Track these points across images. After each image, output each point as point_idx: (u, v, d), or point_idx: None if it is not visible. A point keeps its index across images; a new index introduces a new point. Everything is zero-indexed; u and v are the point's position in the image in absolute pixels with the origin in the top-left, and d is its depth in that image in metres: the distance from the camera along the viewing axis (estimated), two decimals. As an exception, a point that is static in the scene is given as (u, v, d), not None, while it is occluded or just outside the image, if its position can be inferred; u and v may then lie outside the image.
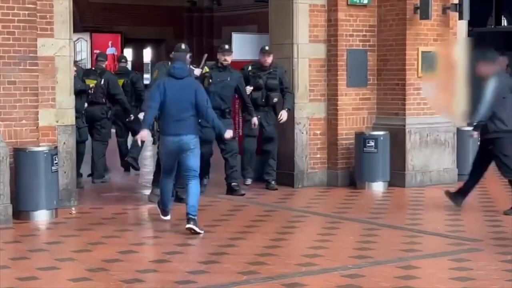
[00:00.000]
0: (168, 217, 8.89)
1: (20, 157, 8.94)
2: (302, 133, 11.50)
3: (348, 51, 11.58)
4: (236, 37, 12.46)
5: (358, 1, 11.57)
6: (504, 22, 21.37)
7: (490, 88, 9.04)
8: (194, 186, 8.28)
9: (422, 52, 11.47)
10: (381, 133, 11.35)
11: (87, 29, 23.48)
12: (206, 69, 10.40)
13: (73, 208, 9.58)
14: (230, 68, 10.78)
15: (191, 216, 8.18)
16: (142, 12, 25.89)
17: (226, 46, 10.95)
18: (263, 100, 11.11)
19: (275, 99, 11.11)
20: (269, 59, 11.13)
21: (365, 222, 8.89)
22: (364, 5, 11.65)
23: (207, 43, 27.24)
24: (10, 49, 9.05)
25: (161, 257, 7.30)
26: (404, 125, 11.47)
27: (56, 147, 9.29)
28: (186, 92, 8.32)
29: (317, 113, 11.61)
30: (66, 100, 9.76)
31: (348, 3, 11.52)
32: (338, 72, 11.55)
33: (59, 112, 9.70)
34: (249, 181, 11.24)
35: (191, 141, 8.31)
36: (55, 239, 8.09)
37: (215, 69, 10.69)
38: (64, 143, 9.73)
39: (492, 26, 21.08)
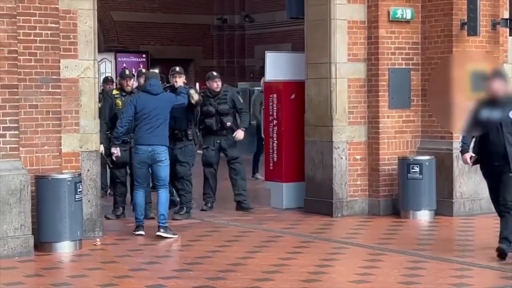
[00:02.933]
0: (142, 232, 9.97)
1: (42, 185, 9.02)
2: (341, 158, 11.47)
3: (390, 70, 11.57)
4: (270, 56, 12.48)
5: (400, 17, 11.56)
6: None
7: None
8: (163, 195, 9.90)
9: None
10: (427, 158, 11.29)
11: (112, 49, 23.73)
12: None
13: (97, 239, 9.63)
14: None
15: (162, 224, 9.77)
16: (169, 31, 26.14)
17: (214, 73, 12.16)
18: (218, 125, 11.79)
19: (229, 123, 11.83)
20: (218, 85, 11.87)
21: (410, 254, 8.83)
22: (407, 21, 11.65)
23: (238, 62, 27.41)
24: (32, 71, 9.19)
25: (192, 292, 7.30)
26: (452, 149, 11.39)
27: (80, 175, 9.37)
28: (162, 106, 9.93)
29: (357, 136, 11.59)
30: (90, 124, 9.85)
31: (390, 19, 11.52)
32: (380, 93, 11.53)
33: (83, 137, 9.79)
34: (209, 205, 12.02)
35: (163, 152, 9.86)
36: (79, 273, 8.13)
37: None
38: (88, 170, 9.81)
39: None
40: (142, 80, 11.71)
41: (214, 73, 12.17)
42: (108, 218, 11.13)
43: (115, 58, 22.97)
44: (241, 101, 12.19)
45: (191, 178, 11.45)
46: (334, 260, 8.74)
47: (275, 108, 12.31)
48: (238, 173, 11.98)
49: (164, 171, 9.95)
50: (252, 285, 7.50)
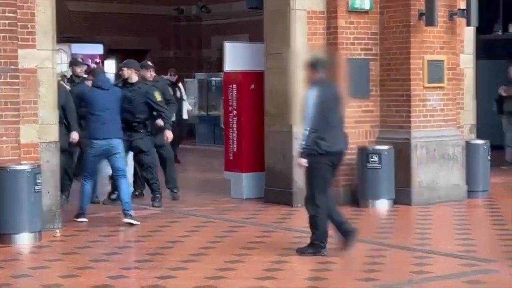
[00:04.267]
0: (85, 219, 10.23)
1: (0, 177, 8.91)
2: (301, 148, 11.50)
3: (349, 61, 11.64)
4: (228, 47, 12.48)
5: (359, 7, 11.64)
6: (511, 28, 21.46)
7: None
8: (124, 184, 10.26)
9: (428, 60, 11.53)
10: (385, 147, 11.39)
11: (67, 39, 23.49)
12: None
13: (57, 231, 9.55)
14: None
15: (128, 212, 10.06)
16: (125, 21, 25.95)
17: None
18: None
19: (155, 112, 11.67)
20: (151, 74, 12.06)
21: (371, 243, 8.90)
22: (366, 12, 11.72)
23: (195, 53, 27.33)
24: (-11, 61, 9.07)
25: (154, 282, 7.28)
26: (410, 139, 11.51)
27: (39, 166, 9.27)
28: (112, 100, 10.31)
29: (317, 126, 11.62)
30: (49, 115, 9.76)
31: (349, 9, 11.59)
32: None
33: (42, 128, 9.69)
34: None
35: (119, 145, 10.21)
36: (40, 264, 8.07)
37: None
38: (48, 161, 9.71)
39: (500, 33, 21.19)
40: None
41: (149, 63, 12.35)
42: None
43: (71, 49, 22.81)
44: (171, 92, 13.04)
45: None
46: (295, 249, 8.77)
47: (234, 99, 12.32)
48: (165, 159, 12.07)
49: (121, 162, 10.32)
50: (215, 274, 7.51)
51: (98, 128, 10.17)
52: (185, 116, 17.95)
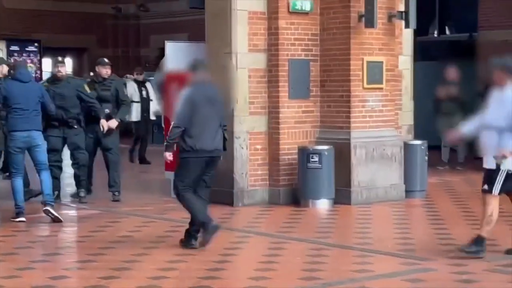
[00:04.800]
0: (23, 219, 10.14)
1: None
2: (242, 148, 11.58)
3: (290, 61, 11.73)
4: (170, 46, 12.47)
5: (300, 8, 11.73)
6: (447, 31, 21.88)
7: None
8: (46, 176, 10.30)
9: (368, 62, 11.69)
10: (325, 147, 11.51)
11: (3, 36, 23.18)
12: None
13: (-5, 231, 9.46)
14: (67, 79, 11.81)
15: (49, 202, 10.16)
16: (62, 19, 25.70)
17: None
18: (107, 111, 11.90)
19: (107, 110, 11.86)
20: (107, 72, 12.18)
21: (312, 242, 9.00)
22: (306, 13, 11.83)
23: (133, 52, 27.19)
24: None
25: (97, 283, 7.25)
26: (349, 139, 11.65)
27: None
28: (33, 93, 10.29)
29: (258, 127, 11.71)
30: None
31: (290, 11, 11.68)
32: (280, 84, 11.68)
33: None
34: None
35: (39, 137, 10.20)
36: (-21, 265, 7.97)
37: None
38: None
39: (436, 35, 21.57)
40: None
41: (106, 60, 12.37)
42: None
43: (7, 47, 22.51)
44: (125, 93, 12.70)
45: None
46: (237, 249, 8.83)
47: (175, 98, 12.28)
48: (110, 162, 12.03)
49: (43, 154, 10.33)
50: (157, 274, 7.51)
51: (17, 120, 10.15)
52: (152, 116, 17.64)
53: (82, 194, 11.74)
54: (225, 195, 11.53)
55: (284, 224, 10.22)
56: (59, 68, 11.70)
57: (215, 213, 10.83)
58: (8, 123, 10.31)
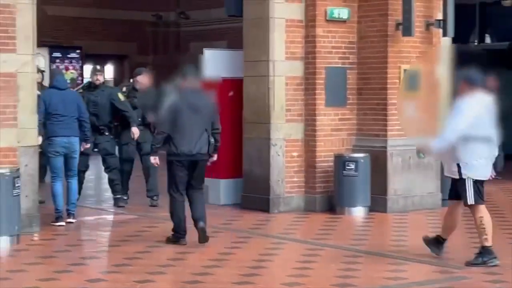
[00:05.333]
0: (63, 223, 10.37)
1: (-21, 180, 8.98)
2: (278, 155, 11.65)
3: (327, 69, 11.79)
4: (208, 54, 12.59)
5: (337, 17, 11.79)
6: (488, 39, 21.76)
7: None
8: (75, 184, 10.67)
9: (405, 70, 11.70)
10: (362, 155, 11.54)
11: (45, 44, 23.48)
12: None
13: (35, 234, 9.61)
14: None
15: (72, 212, 10.55)
16: (103, 27, 25.97)
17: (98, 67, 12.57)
18: (140, 119, 12.03)
19: (150, 119, 11.86)
20: (146, 80, 12.27)
21: (346, 249, 9.04)
22: (344, 21, 11.88)
23: (173, 59, 27.38)
24: (-31, 65, 9.13)
25: (132, 286, 7.37)
26: (386, 147, 11.68)
27: (18, 170, 9.33)
28: (70, 100, 10.62)
29: (294, 134, 11.78)
30: (28, 119, 9.81)
31: (327, 19, 11.74)
32: (316, 91, 11.74)
33: (20, 132, 9.74)
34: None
35: (77, 143, 10.54)
36: (19, 267, 8.12)
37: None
38: (26, 165, 9.76)
39: (476, 43, 21.47)
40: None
41: (144, 69, 12.65)
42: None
43: (49, 54, 22.81)
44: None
45: None
46: (272, 255, 8.91)
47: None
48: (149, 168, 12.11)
49: (76, 162, 10.67)
50: (192, 279, 7.61)
51: (56, 126, 10.46)
52: None
53: (118, 196, 12.01)
54: (261, 201, 11.62)
55: (319, 231, 10.27)
56: (98, 76, 12.05)
57: (251, 219, 10.99)
58: (47, 129, 10.53)
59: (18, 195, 9.21)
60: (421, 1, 11.78)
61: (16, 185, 9.14)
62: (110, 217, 11.46)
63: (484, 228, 8.12)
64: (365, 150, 11.70)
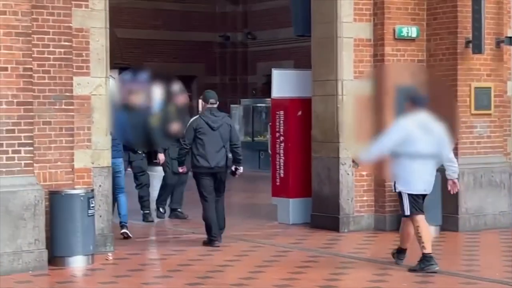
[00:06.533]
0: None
1: (55, 201, 9.21)
2: (348, 174, 11.65)
3: (397, 87, 11.75)
4: (276, 74, 12.69)
5: (406, 35, 11.78)
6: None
7: None
8: (123, 199, 11.39)
9: (475, 88, 11.63)
10: (432, 174, 11.45)
11: (116, 66, 23.89)
12: None
13: (109, 254, 9.80)
14: None
15: (124, 224, 11.21)
16: (171, 48, 26.35)
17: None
18: None
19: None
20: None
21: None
22: (413, 39, 11.87)
23: (240, 79, 27.63)
24: (45, 88, 9.39)
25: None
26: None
27: (92, 190, 9.55)
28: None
29: (364, 153, 11.76)
30: (102, 140, 10.04)
31: (396, 37, 11.74)
32: (386, 110, 11.72)
33: (95, 153, 9.98)
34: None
35: (121, 164, 11.35)
36: (95, 286, 8.31)
37: None
38: (100, 185, 9.99)
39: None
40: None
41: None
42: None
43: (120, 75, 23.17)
44: None
45: None
46: (343, 274, 8.92)
47: (281, 125, 12.51)
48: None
49: (122, 180, 11.44)
50: (264, 298, 7.68)
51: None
52: None
53: (147, 211, 12.63)
54: (331, 220, 11.63)
55: (389, 251, 10.20)
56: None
57: (321, 238, 11.00)
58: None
59: (93, 215, 9.42)
60: (491, 18, 11.70)
61: (91, 205, 9.34)
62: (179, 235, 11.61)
63: (420, 237, 8.79)
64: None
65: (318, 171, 11.90)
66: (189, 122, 10.62)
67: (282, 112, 12.51)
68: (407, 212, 8.88)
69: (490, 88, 11.81)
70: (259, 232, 11.69)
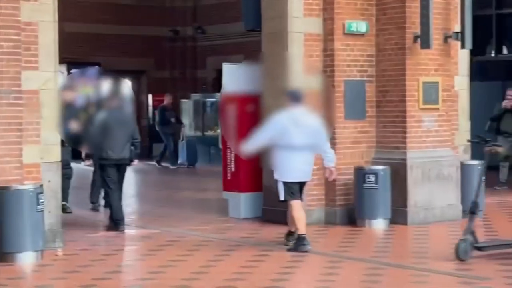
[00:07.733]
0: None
1: (4, 196, 9.09)
2: (298, 168, 11.68)
3: (345, 82, 11.85)
4: (227, 68, 12.69)
5: (355, 30, 11.86)
6: (505, 50, 21.78)
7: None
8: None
9: (423, 82, 11.76)
10: (381, 167, 11.58)
11: (63, 60, 23.64)
12: None
13: (59, 250, 9.71)
14: None
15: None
16: (120, 42, 26.17)
17: None
18: None
19: None
20: None
21: (368, 262, 9.08)
22: (362, 34, 11.95)
23: (190, 74, 27.55)
24: (-7, 83, 9.25)
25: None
26: (405, 159, 11.71)
27: (41, 186, 9.44)
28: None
29: (314, 147, 11.82)
30: (51, 136, 9.94)
31: (345, 32, 11.81)
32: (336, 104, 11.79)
33: (44, 149, 9.86)
34: None
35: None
36: (44, 282, 8.23)
37: None
38: (49, 181, 9.87)
39: (493, 55, 21.48)
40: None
41: None
42: None
43: (68, 70, 22.94)
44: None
45: None
46: (295, 268, 8.96)
47: (232, 119, 12.49)
48: None
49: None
50: (216, 292, 7.68)
51: None
52: None
53: (64, 202, 12.36)
54: (282, 214, 11.60)
55: (340, 244, 10.31)
56: None
57: (272, 232, 11.02)
58: None
59: (42, 210, 9.32)
60: (438, 13, 11.83)
61: (40, 201, 9.24)
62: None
63: (294, 219, 9.67)
64: (384, 162, 11.73)
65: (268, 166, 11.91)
66: (97, 118, 11.37)
67: (232, 107, 12.50)
68: (282, 198, 9.76)
69: (438, 82, 11.94)
70: (210, 226, 11.68)
